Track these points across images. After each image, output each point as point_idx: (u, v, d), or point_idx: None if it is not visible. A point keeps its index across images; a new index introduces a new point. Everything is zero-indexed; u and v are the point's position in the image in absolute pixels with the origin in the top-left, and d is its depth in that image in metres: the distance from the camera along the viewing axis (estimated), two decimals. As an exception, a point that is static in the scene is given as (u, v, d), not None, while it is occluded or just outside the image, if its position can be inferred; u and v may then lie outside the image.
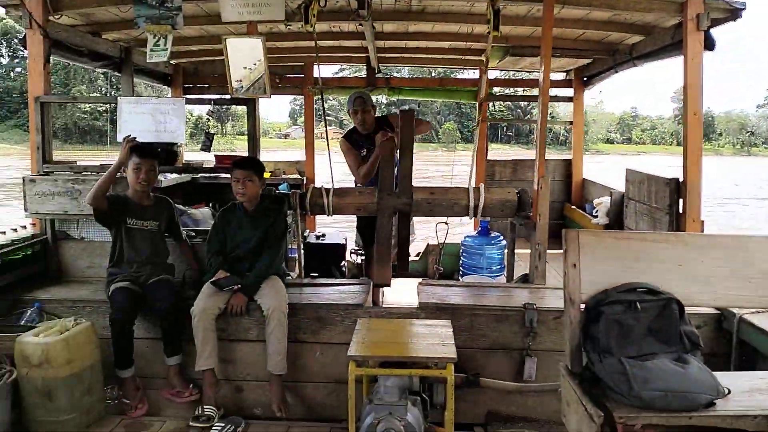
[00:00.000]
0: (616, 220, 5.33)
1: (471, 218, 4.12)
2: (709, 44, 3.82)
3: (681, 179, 3.99)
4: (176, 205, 3.85)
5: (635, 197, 4.67)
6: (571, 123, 6.79)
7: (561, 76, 6.88)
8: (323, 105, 4.32)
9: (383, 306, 3.69)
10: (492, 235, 4.55)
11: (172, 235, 3.85)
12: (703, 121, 3.92)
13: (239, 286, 3.47)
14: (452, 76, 6.44)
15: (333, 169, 4.61)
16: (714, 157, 61.48)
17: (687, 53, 3.83)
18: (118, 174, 3.57)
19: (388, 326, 3.15)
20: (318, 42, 4.35)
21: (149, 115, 3.98)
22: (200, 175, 5.33)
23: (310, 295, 3.70)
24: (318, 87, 6.43)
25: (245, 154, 4.12)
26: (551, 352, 3.47)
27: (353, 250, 6.16)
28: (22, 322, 3.37)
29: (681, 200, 4.01)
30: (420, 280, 4.03)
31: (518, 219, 4.14)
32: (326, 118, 4.42)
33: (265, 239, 3.64)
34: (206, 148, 3.98)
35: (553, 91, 6.94)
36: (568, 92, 6.79)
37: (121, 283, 3.44)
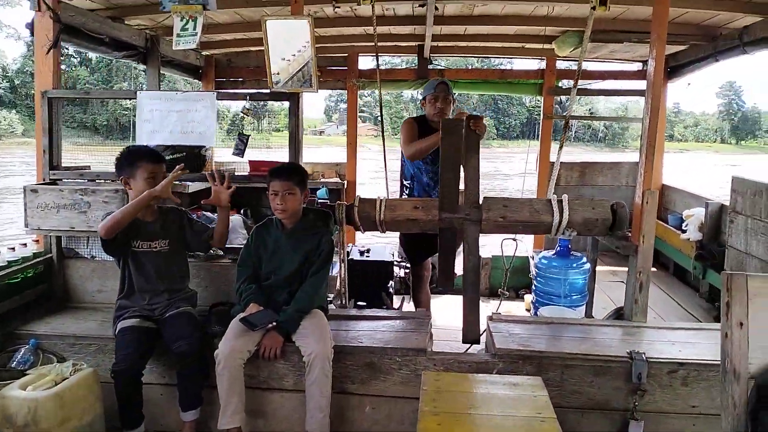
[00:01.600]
0: (713, 237, 4.51)
1: (553, 236, 3.39)
2: None
3: (821, 194, 3.19)
4: (188, 212, 3.19)
5: (746, 211, 3.86)
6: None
7: (638, 66, 6.05)
8: (380, 98, 3.63)
9: (450, 351, 2.99)
10: (574, 256, 3.81)
11: (194, 245, 3.19)
12: None
13: (275, 323, 2.82)
14: (512, 67, 5.83)
15: (387, 174, 3.92)
16: (761, 154, 58.96)
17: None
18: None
19: (462, 385, 2.45)
20: (368, 28, 3.68)
21: (175, 113, 3.35)
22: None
23: (358, 334, 3.03)
24: (362, 80, 5.84)
25: (282, 157, 3.47)
26: (663, 415, 2.75)
27: (396, 262, 5.49)
28: (13, 364, 2.77)
29: (819, 220, 3.21)
30: (490, 313, 3.31)
31: (611, 240, 3.39)
32: (382, 113, 3.71)
33: (307, 264, 2.99)
34: (239, 152, 3.34)
35: (624, 84, 6.15)
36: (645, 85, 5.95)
37: (130, 320, 2.83)
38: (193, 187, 4.65)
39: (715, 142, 64.32)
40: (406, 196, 4.11)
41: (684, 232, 4.82)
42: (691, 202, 5.12)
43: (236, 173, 4.10)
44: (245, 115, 3.20)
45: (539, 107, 6.17)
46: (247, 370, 2.78)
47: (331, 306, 3.59)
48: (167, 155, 3.37)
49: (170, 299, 3.02)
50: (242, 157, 3.36)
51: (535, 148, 6.09)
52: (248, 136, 3.28)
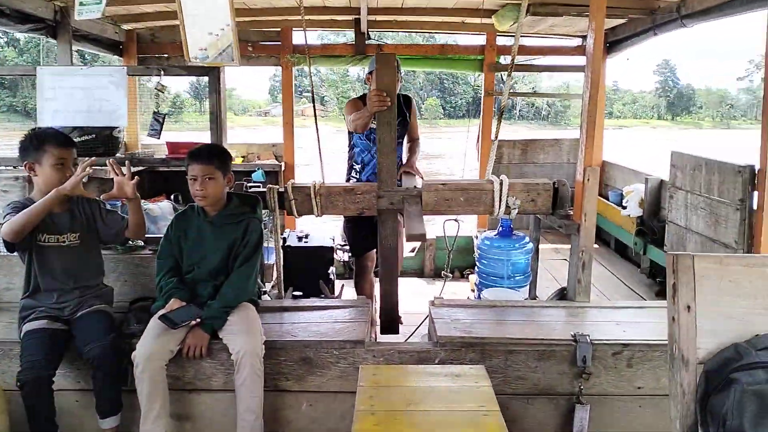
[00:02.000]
0: (653, 213, 4.51)
1: (496, 216, 3.26)
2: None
3: (757, 167, 3.18)
4: (101, 202, 2.88)
5: (685, 186, 3.85)
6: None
7: (577, 41, 5.99)
8: (310, 75, 3.38)
9: (389, 342, 2.83)
10: (516, 236, 3.70)
11: (107, 238, 2.88)
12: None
13: (199, 319, 2.59)
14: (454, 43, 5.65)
15: (322, 155, 3.70)
16: (695, 129, 61.40)
17: (774, 6, 2.97)
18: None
19: (401, 379, 2.29)
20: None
21: (80, 90, 3.02)
22: (146, 167, 4.27)
23: (293, 327, 2.83)
24: (297, 56, 5.56)
25: (206, 138, 3.20)
26: (609, 398, 2.68)
27: (339, 246, 5.30)
28: None
29: (756, 192, 3.20)
30: (432, 299, 3.17)
31: (553, 219, 3.30)
32: (312, 90, 3.48)
33: (233, 254, 2.75)
34: (155, 133, 3.04)
35: (564, 60, 6.08)
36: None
37: (37, 322, 2.55)
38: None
39: (652, 118, 66.47)
40: (355, 179, 3.91)
41: (624, 208, 4.81)
42: (631, 178, 5.12)
43: (155, 156, 3.80)
44: (159, 92, 2.90)
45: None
46: (170, 370, 2.55)
47: (267, 297, 3.38)
48: (75, 137, 3.06)
49: (82, 297, 2.74)
50: (158, 138, 3.07)
51: (469, 127, 5.98)
52: (165, 114, 3.00)
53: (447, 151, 25.83)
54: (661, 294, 4.08)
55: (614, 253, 5.12)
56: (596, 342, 2.64)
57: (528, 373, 2.65)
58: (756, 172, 3.17)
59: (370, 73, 3.80)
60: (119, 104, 2.91)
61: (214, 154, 2.70)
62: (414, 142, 3.94)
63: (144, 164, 3.81)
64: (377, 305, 4.70)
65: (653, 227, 4.35)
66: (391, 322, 3.00)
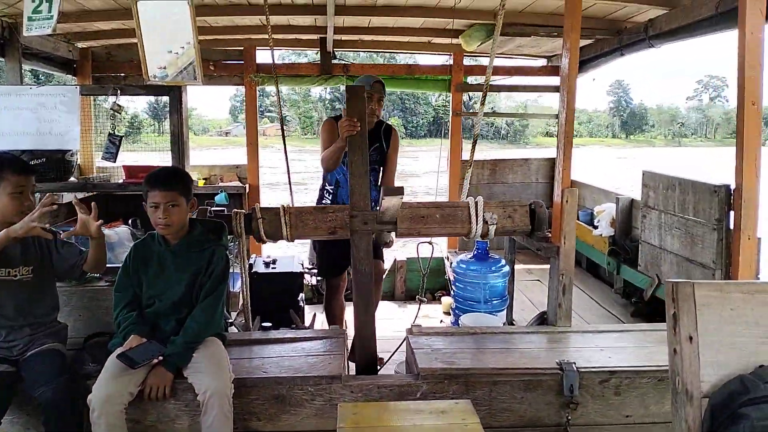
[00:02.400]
0: (625, 232, 4.49)
1: (473, 237, 3.15)
2: (773, 14, 2.98)
3: (732, 186, 3.16)
4: (57, 233, 2.67)
5: (659, 206, 3.83)
6: (556, 116, 5.91)
7: (542, 62, 6.01)
8: (278, 95, 3.24)
9: (365, 375, 2.67)
10: (492, 258, 3.60)
11: (62, 272, 2.66)
12: (761, 114, 3.07)
13: (161, 357, 2.39)
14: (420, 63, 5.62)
15: (290, 176, 3.54)
16: (648, 147, 63.36)
17: (744, 26, 2.97)
18: None
19: (384, 417, 2.13)
20: (265, 18, 3.30)
21: (29, 111, 2.81)
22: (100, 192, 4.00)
23: (263, 362, 2.64)
24: (261, 75, 5.42)
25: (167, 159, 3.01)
26: (597, 428, 2.58)
27: (307, 269, 5.11)
28: None
29: (732, 212, 3.18)
30: (410, 326, 3.03)
31: (531, 241, 3.21)
32: (281, 110, 3.33)
33: (197, 285, 2.56)
34: (111, 156, 2.83)
35: (529, 80, 6.09)
36: (552, 81, 5.92)
37: (-20, 363, 2.31)
38: (68, 196, 4.08)
39: (607, 137, 68.23)
40: (328, 201, 3.76)
41: (595, 228, 4.78)
42: (601, 198, 5.10)
43: (111, 180, 3.58)
44: (116, 113, 2.71)
45: (445, 106, 6.01)
46: (130, 414, 2.33)
47: (234, 329, 3.18)
48: (23, 162, 2.82)
49: (33, 335, 2.51)
50: (114, 161, 2.86)
51: (441, 147, 5.91)
52: (121, 137, 2.80)
53: (414, 170, 25.85)
54: (636, 315, 4.04)
55: (586, 272, 5.08)
56: (583, 370, 2.54)
57: (514, 404, 2.53)
58: (732, 192, 3.14)
59: None
60: (71, 126, 2.70)
61: (176, 179, 2.51)
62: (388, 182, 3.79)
63: (99, 189, 3.57)
64: (346, 330, 4.56)
65: (626, 247, 4.32)
66: (368, 361, 2.82)
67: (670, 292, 1.70)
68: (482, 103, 3.35)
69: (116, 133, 2.77)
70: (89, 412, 2.24)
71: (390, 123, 3.86)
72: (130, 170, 3.09)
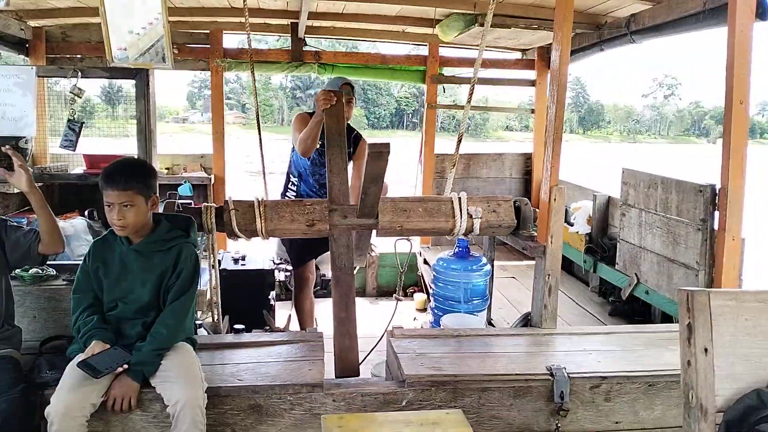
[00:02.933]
0: (602, 230, 4.45)
1: (455, 236, 3.04)
2: (762, 12, 2.94)
3: (718, 186, 3.12)
4: (7, 220, 2.43)
5: (639, 204, 3.78)
6: (532, 111, 5.86)
7: (517, 55, 5.93)
8: (253, 81, 3.04)
9: (346, 381, 2.52)
10: (473, 257, 3.49)
11: (16, 260, 2.43)
12: (748, 114, 3.03)
13: (126, 365, 2.18)
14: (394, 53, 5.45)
15: (264, 167, 3.37)
16: (604, 143, 64.83)
17: (734, 23, 2.92)
18: None
19: (373, 429, 1.99)
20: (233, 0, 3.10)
21: (-21, 94, 2.54)
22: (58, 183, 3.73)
23: (237, 368, 2.46)
24: (228, 60, 5.19)
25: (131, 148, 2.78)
26: (587, 435, 2.49)
27: (276, 265, 4.93)
28: None
29: (717, 212, 3.14)
30: (391, 328, 2.89)
31: (515, 240, 3.11)
32: (256, 98, 3.13)
33: (164, 287, 2.36)
34: (70, 144, 2.59)
35: (504, 73, 6.01)
36: (527, 74, 5.85)
37: None
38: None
39: (565, 132, 69.49)
40: (293, 195, 3.59)
41: (571, 225, 4.73)
42: (576, 194, 5.06)
43: (68, 170, 3.31)
44: (76, 97, 2.47)
45: (407, 98, 5.86)
46: (93, 426, 2.13)
47: (202, 331, 2.98)
48: (-30, 149, 2.56)
49: (-21, 340, 2.27)
50: (74, 150, 2.62)
51: (405, 138, 5.79)
52: (81, 123, 2.56)
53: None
54: (615, 314, 4.00)
55: (561, 270, 5.02)
56: (573, 375, 2.45)
57: (503, 411, 2.42)
58: (717, 192, 3.10)
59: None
60: (26, 110, 2.45)
61: (133, 176, 2.25)
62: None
63: (57, 180, 3.31)
64: (316, 327, 4.40)
65: (603, 245, 4.28)
66: (350, 363, 2.68)
67: (685, 301, 1.60)
68: (470, 95, 3.23)
69: (76, 119, 2.53)
70: (47, 426, 2.04)
71: (359, 131, 3.77)
72: (91, 160, 2.85)
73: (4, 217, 2.45)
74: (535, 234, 3.04)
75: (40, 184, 2.78)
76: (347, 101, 3.44)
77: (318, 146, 3.49)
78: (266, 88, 50.72)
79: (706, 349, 1.58)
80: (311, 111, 3.63)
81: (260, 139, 3.10)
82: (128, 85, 2.87)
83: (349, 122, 3.59)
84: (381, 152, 2.30)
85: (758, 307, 1.62)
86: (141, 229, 2.36)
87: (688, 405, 1.60)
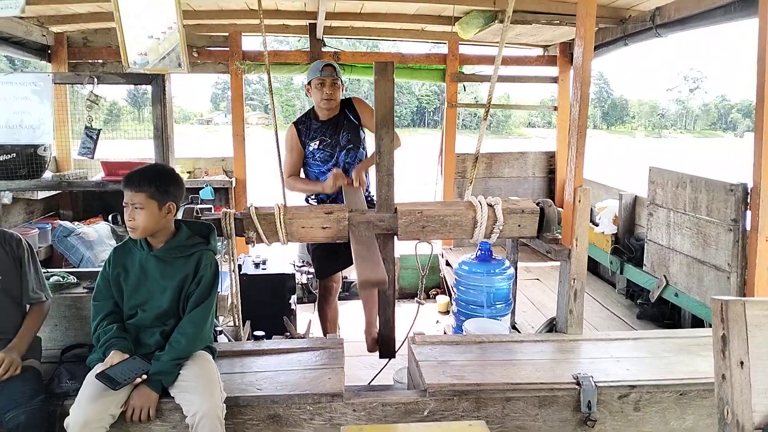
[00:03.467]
0: (628, 230, 4.34)
1: (474, 240, 2.98)
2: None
3: (750, 185, 3.01)
4: (32, 248, 2.43)
5: (667, 204, 3.67)
6: (555, 108, 5.75)
7: (538, 51, 5.82)
8: (270, 84, 3.01)
9: (369, 389, 2.49)
10: (496, 260, 3.42)
11: (21, 293, 2.40)
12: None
13: (145, 375, 2.17)
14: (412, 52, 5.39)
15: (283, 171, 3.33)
16: (628, 138, 63.83)
17: (766, 14, 2.80)
18: None
19: (392, 443, 1.95)
20: (251, 2, 3.07)
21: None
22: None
23: (257, 377, 2.43)
24: (247, 62, 5.18)
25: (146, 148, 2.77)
26: (616, 446, 2.40)
27: (298, 268, 4.91)
28: None
29: (749, 212, 3.03)
30: (413, 334, 2.84)
31: (539, 243, 3.03)
32: (273, 101, 3.10)
33: (184, 294, 2.34)
34: (87, 151, 2.58)
35: (526, 70, 5.90)
36: (549, 71, 5.75)
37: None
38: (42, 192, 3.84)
39: (588, 127, 68.63)
40: (314, 200, 3.56)
41: (597, 225, 4.63)
42: (602, 194, 4.95)
43: (88, 176, 3.32)
44: (93, 103, 2.46)
45: (428, 96, 5.79)
46: (111, 437, 2.12)
47: (222, 337, 2.97)
48: (-10, 158, 2.57)
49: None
50: (92, 157, 2.62)
51: (426, 136, 5.73)
52: (98, 130, 2.55)
53: (399, 160, 25.51)
54: (642, 317, 3.89)
55: (588, 272, 4.92)
56: (601, 384, 2.37)
57: (528, 422, 2.36)
58: (749, 191, 2.99)
59: (309, 82, 3.50)
60: (44, 118, 2.45)
61: (146, 180, 2.26)
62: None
63: (75, 187, 3.32)
64: (339, 332, 4.36)
65: (630, 245, 4.17)
66: (388, 344, 2.85)
67: (719, 311, 1.53)
68: (491, 92, 3.15)
69: (93, 126, 2.52)
70: (66, 438, 2.03)
71: (348, 97, 3.66)
72: (109, 167, 2.84)
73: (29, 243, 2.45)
74: (560, 236, 2.96)
75: (58, 192, 2.80)
76: (332, 83, 3.37)
77: (317, 142, 3.46)
78: (288, 89, 50.94)
79: (741, 362, 1.50)
80: (302, 116, 3.60)
81: (277, 144, 3.07)
82: (170, 86, 2.89)
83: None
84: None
85: (800, 318, 1.54)
86: (160, 235, 2.35)
87: (723, 421, 1.53)
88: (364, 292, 3.54)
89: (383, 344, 2.99)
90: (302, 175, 3.61)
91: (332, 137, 3.50)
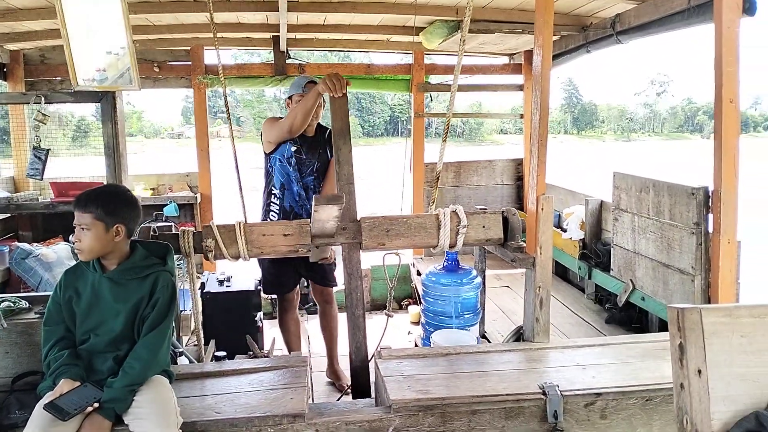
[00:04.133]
0: (595, 235, 4.36)
1: (439, 249, 2.95)
2: (749, 7, 2.86)
3: (711, 188, 3.03)
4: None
5: (631, 209, 3.69)
6: (521, 116, 5.78)
7: (504, 60, 5.86)
8: (225, 98, 2.97)
9: (335, 407, 2.42)
10: (463, 270, 3.39)
11: None
12: (739, 112, 2.95)
13: (97, 404, 2.08)
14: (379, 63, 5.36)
15: (241, 182, 3.27)
16: (598, 142, 64.86)
17: (720, 20, 2.84)
18: None
19: (354, 464, 1.89)
20: (212, 14, 3.03)
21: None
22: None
23: (216, 400, 2.36)
24: (210, 76, 5.12)
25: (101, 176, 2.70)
26: (583, 456, 2.38)
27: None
28: None
29: (711, 215, 3.06)
30: (378, 348, 2.80)
31: (504, 252, 3.01)
32: (229, 116, 3.05)
33: (138, 318, 2.26)
34: (36, 173, 2.50)
35: (492, 79, 5.92)
36: (515, 79, 5.78)
37: None
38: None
39: (559, 132, 69.53)
40: (276, 209, 3.49)
41: (564, 230, 4.64)
42: (568, 199, 4.97)
43: (46, 195, 3.22)
44: (40, 123, 2.38)
45: (401, 105, 5.80)
46: (62, 468, 2.02)
47: (183, 359, 2.88)
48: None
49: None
50: (40, 178, 2.53)
51: (399, 145, 5.72)
52: (47, 150, 2.47)
53: (371, 170, 25.54)
54: (611, 321, 3.90)
55: (556, 277, 4.94)
56: (567, 393, 2.35)
57: (494, 434, 2.32)
58: (710, 194, 3.02)
59: (290, 97, 3.47)
60: (-12, 139, 2.36)
61: (92, 202, 2.20)
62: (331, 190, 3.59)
63: (24, 209, 3.21)
64: (310, 347, 4.30)
65: (597, 251, 4.18)
66: (363, 383, 2.77)
67: (675, 319, 1.51)
68: (451, 104, 3.15)
69: (41, 146, 2.44)
70: (13, 471, 1.94)
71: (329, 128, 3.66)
72: (59, 187, 2.75)
73: None
74: (524, 245, 2.95)
75: (7, 215, 2.70)
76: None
77: (295, 147, 3.41)
78: (260, 101, 50.69)
79: (699, 371, 1.49)
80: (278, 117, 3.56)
81: (235, 158, 3.02)
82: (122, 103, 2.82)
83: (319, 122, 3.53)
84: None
85: (754, 322, 1.53)
86: (113, 257, 2.28)
87: (682, 430, 1.51)
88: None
89: (356, 380, 2.84)
90: (272, 180, 3.52)
91: (308, 154, 3.46)
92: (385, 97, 52.68)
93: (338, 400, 2.92)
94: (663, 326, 3.50)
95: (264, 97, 50.91)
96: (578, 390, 2.38)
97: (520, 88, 5.68)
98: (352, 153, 2.83)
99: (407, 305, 5.28)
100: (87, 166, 4.26)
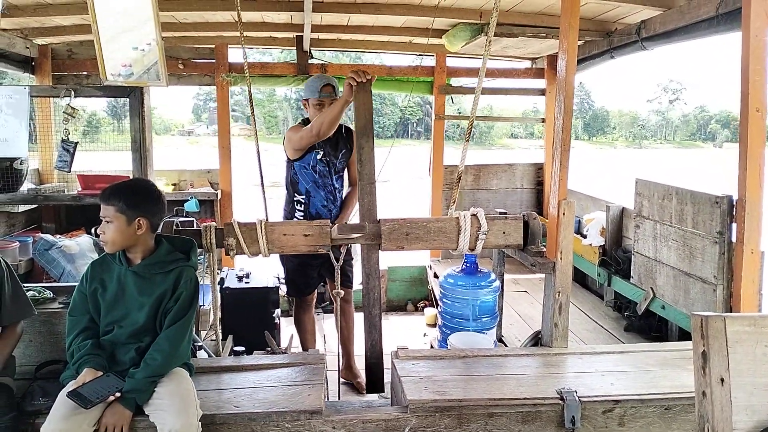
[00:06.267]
0: (616, 242, 4.32)
1: (458, 252, 2.95)
2: (778, 16, 2.82)
3: (735, 197, 3.00)
4: (13, 269, 2.37)
5: (653, 216, 3.66)
6: (543, 120, 5.75)
7: (526, 64, 5.84)
8: (250, 94, 3.00)
9: (351, 405, 2.44)
10: (482, 273, 3.39)
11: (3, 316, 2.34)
12: (765, 121, 2.91)
13: (119, 393, 2.12)
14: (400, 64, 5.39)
15: (264, 180, 3.30)
16: (610, 149, 64.27)
17: (749, 29, 2.81)
18: None
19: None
20: (239, 13, 3.06)
21: (-28, 114, 2.51)
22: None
23: (234, 394, 2.38)
24: (233, 75, 5.16)
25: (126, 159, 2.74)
26: (600, 463, 2.37)
27: (282, 280, 4.86)
28: None
29: (734, 224, 3.02)
30: (396, 348, 2.80)
31: (524, 256, 3.01)
32: (254, 114, 3.08)
33: (161, 311, 2.30)
34: (64, 165, 2.54)
35: (514, 83, 5.91)
36: (537, 84, 5.76)
37: None
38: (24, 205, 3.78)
39: (571, 139, 69.12)
40: (300, 215, 3.52)
41: (584, 237, 4.61)
42: (589, 205, 4.94)
43: (71, 188, 3.27)
44: (69, 116, 2.43)
45: (411, 107, 5.81)
46: (83, 456, 2.05)
47: (202, 353, 2.91)
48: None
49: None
50: (68, 171, 2.58)
51: (409, 147, 5.72)
52: (75, 143, 2.51)
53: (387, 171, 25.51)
54: (630, 329, 3.87)
55: (575, 283, 4.90)
56: (585, 399, 2.34)
57: (511, 438, 2.32)
58: (734, 203, 2.98)
59: (306, 99, 3.49)
60: (18, 131, 2.41)
61: (116, 195, 2.25)
62: (354, 188, 3.61)
63: (51, 201, 3.27)
64: (326, 345, 4.32)
65: (617, 257, 4.15)
66: (377, 378, 2.83)
67: (699, 327, 1.50)
68: (475, 106, 3.15)
69: (70, 139, 2.48)
70: (36, 457, 1.98)
71: (348, 125, 3.67)
72: (86, 180, 2.80)
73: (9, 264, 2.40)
74: (544, 249, 2.94)
75: (32, 207, 2.75)
76: (330, 104, 3.35)
77: (321, 154, 3.44)
78: (271, 100, 50.94)
79: (722, 379, 1.48)
80: (302, 119, 3.60)
81: (258, 157, 3.04)
82: (149, 99, 2.87)
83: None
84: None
85: (781, 333, 1.52)
86: (138, 251, 2.32)
87: (703, 438, 1.50)
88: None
89: (370, 374, 2.89)
90: (296, 186, 3.54)
91: (330, 155, 3.49)
92: (396, 98, 52.71)
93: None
94: (683, 335, 3.46)
95: (275, 96, 51.16)
96: (597, 396, 2.37)
97: (542, 92, 5.65)
98: (374, 152, 2.85)
99: (423, 307, 5.28)
100: (100, 162, 4.28)
